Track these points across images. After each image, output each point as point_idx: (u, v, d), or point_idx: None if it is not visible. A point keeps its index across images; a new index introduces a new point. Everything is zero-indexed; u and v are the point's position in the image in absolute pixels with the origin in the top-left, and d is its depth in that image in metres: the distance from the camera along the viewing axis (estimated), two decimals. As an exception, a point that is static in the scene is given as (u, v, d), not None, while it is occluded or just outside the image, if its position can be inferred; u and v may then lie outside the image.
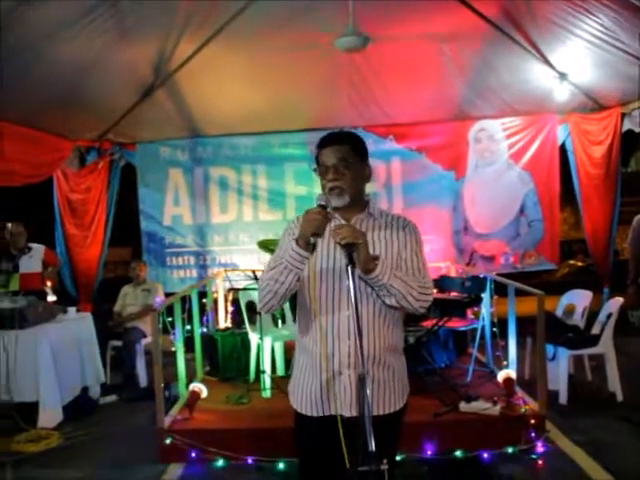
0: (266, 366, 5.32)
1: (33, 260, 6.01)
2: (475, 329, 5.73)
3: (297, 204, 7.56)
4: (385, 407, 2.23)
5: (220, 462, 4.24)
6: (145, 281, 6.91)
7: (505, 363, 5.19)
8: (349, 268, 1.98)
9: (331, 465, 2.15)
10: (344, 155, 2.21)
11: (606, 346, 5.34)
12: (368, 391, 1.88)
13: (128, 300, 6.77)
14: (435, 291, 6.06)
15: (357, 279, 2.11)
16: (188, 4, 4.84)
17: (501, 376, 4.97)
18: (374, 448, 1.76)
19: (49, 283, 6.11)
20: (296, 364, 2.34)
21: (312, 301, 2.20)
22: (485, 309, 5.66)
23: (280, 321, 6.10)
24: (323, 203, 2.08)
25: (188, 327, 5.66)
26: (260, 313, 5.16)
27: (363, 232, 2.08)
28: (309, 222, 2.03)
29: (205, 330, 6.38)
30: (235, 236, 7.75)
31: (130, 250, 11.71)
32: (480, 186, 7.61)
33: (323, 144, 2.25)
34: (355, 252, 2.00)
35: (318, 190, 2.26)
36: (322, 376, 2.18)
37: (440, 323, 5.18)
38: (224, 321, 7.05)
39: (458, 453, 4.18)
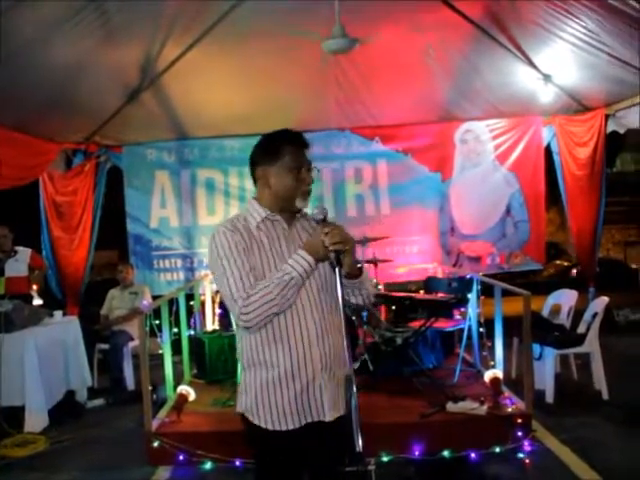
0: (254, 368, 5.30)
1: (19, 263, 5.97)
2: (462, 329, 5.77)
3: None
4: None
5: (208, 465, 4.24)
6: (132, 284, 6.89)
7: (492, 363, 5.22)
8: (337, 270, 1.99)
9: (309, 472, 2.15)
10: None
11: (592, 345, 5.39)
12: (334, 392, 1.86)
13: (115, 303, 6.74)
14: (422, 292, 6.11)
15: (323, 281, 2.16)
16: (175, 6, 4.84)
17: (488, 376, 5.00)
18: (361, 448, 1.76)
19: (35, 287, 6.08)
20: (253, 383, 2.16)
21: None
22: (472, 310, 5.69)
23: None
24: (325, 214, 2.11)
25: (175, 330, 5.65)
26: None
27: (351, 236, 2.07)
28: (346, 236, 2.03)
29: (192, 333, 6.37)
30: (222, 238, 7.71)
31: (117, 253, 11.66)
32: (466, 187, 7.64)
33: (305, 143, 2.24)
34: (342, 255, 2.00)
35: None
36: (296, 386, 2.10)
37: (427, 324, 5.20)
38: (211, 323, 7.05)
39: (445, 453, 4.20)
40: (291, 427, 2.11)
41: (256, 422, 2.15)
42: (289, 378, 2.09)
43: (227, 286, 2.05)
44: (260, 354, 2.12)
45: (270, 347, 2.10)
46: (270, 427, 2.12)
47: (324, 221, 2.10)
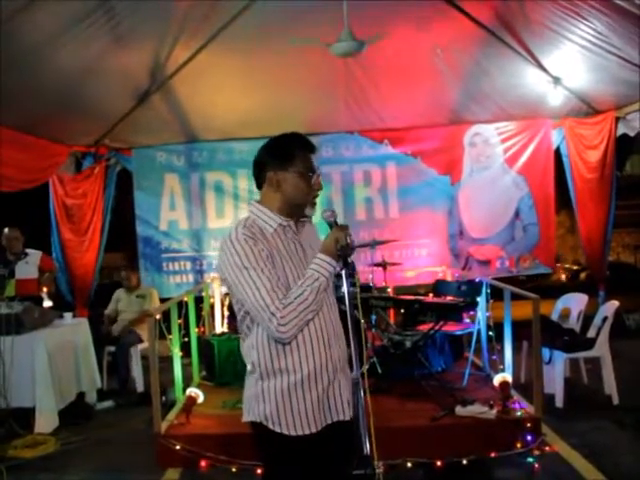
0: (262, 371, 5.29)
1: (29, 266, 5.99)
2: (471, 333, 5.74)
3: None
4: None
5: (217, 467, 4.24)
6: (139, 287, 6.90)
7: (501, 367, 5.19)
8: (344, 272, 2.01)
9: (331, 473, 2.13)
10: None
11: (602, 349, 5.35)
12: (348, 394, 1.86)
13: (122, 306, 6.75)
14: (431, 295, 6.10)
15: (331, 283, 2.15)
16: (183, 9, 4.86)
17: (497, 380, 4.98)
18: (369, 452, 1.76)
19: (45, 289, 6.10)
20: (273, 391, 2.12)
21: None
22: (481, 313, 5.68)
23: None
24: (335, 217, 2.13)
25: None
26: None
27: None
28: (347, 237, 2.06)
29: (202, 335, 6.37)
30: (231, 241, 7.72)
31: (123, 255, 11.66)
32: (475, 190, 7.63)
33: (314, 149, 2.21)
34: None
35: None
36: (319, 388, 2.09)
37: (436, 327, 5.18)
38: (221, 326, 7.05)
39: (454, 457, 4.19)
40: (314, 430, 2.09)
41: (277, 430, 2.10)
42: (312, 381, 2.08)
43: (260, 299, 1.98)
44: (282, 361, 2.09)
45: (292, 353, 2.07)
46: (293, 433, 2.08)
47: (336, 223, 2.11)
